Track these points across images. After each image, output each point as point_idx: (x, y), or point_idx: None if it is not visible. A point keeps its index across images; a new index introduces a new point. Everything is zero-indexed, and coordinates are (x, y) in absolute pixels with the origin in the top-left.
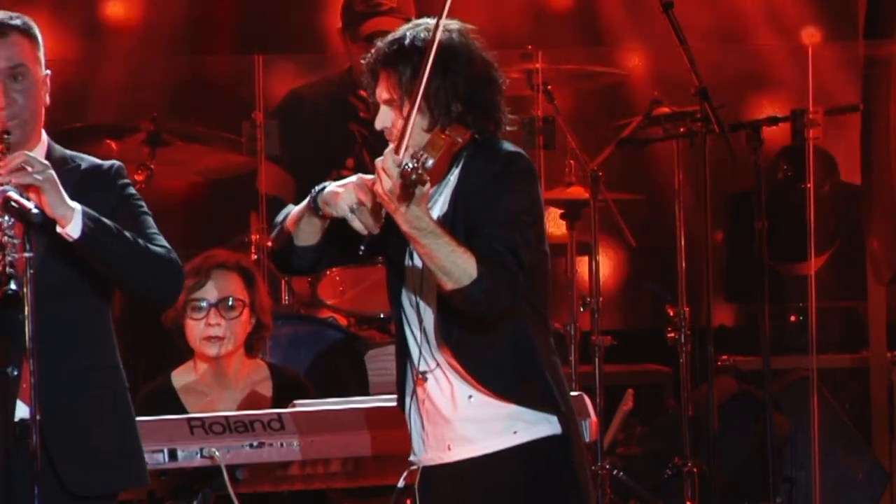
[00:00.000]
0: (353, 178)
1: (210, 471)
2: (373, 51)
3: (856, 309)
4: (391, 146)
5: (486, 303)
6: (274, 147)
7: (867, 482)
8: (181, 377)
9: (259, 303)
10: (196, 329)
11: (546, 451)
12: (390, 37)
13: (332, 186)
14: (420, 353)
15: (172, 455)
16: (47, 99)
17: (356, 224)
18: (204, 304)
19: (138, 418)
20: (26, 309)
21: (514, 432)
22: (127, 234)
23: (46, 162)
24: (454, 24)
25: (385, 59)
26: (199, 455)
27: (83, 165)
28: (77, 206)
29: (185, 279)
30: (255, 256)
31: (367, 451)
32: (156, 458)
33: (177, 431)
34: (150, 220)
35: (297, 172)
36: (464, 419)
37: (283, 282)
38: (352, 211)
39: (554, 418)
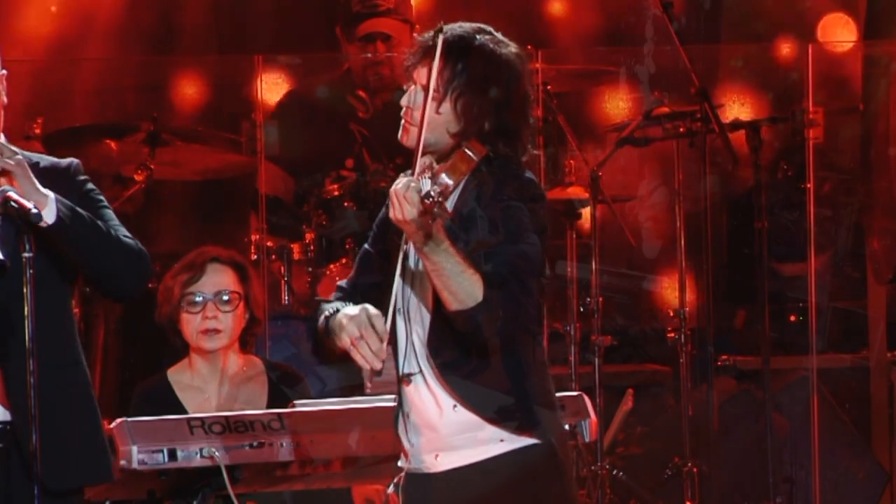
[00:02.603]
0: (358, 312)
1: (210, 471)
2: (432, 33)
3: (856, 309)
4: (408, 176)
5: (488, 327)
6: (274, 147)
7: (867, 482)
8: (177, 374)
9: (253, 297)
10: (192, 323)
11: (533, 459)
12: (459, 27)
13: (343, 313)
14: (405, 356)
15: (172, 455)
16: (4, 98)
17: (357, 357)
18: (200, 297)
19: (137, 418)
20: (26, 308)
21: (501, 440)
22: (99, 222)
23: (16, 148)
24: (513, 47)
25: (446, 47)
26: (198, 455)
27: (42, 164)
28: (50, 192)
29: (180, 274)
30: (255, 256)
31: (367, 451)
32: (156, 458)
33: (176, 431)
34: (112, 214)
35: (296, 172)
36: (450, 426)
37: (282, 282)
38: (352, 344)
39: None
